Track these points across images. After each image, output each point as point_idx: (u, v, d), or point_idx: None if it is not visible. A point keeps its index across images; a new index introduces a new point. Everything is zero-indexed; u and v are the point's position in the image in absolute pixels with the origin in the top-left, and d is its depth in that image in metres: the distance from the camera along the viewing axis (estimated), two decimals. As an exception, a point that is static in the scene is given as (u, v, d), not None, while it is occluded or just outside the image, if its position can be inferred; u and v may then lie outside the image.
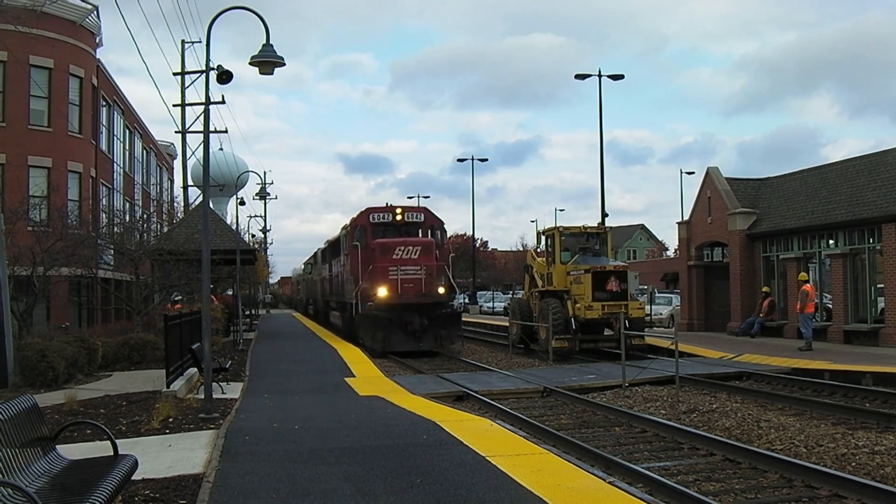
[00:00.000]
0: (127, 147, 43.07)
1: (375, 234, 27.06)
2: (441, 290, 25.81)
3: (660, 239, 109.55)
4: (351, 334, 28.71)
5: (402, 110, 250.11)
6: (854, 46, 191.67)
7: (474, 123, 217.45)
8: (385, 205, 28.71)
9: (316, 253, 48.29)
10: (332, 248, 36.10)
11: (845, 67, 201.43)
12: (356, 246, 26.69)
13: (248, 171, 59.60)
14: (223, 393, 15.09)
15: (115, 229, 30.95)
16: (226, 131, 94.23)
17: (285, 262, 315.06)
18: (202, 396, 12.94)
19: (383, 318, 24.84)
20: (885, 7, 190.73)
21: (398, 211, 27.97)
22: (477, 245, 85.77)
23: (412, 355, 24.44)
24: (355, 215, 28.65)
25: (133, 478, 7.07)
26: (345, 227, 30.21)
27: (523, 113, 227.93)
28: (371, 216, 27.71)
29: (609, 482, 7.80)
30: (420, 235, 27.83)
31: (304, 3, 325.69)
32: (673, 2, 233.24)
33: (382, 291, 24.99)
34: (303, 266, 67.98)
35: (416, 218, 28.40)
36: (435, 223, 28.64)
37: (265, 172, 60.60)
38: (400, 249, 25.63)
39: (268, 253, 71.64)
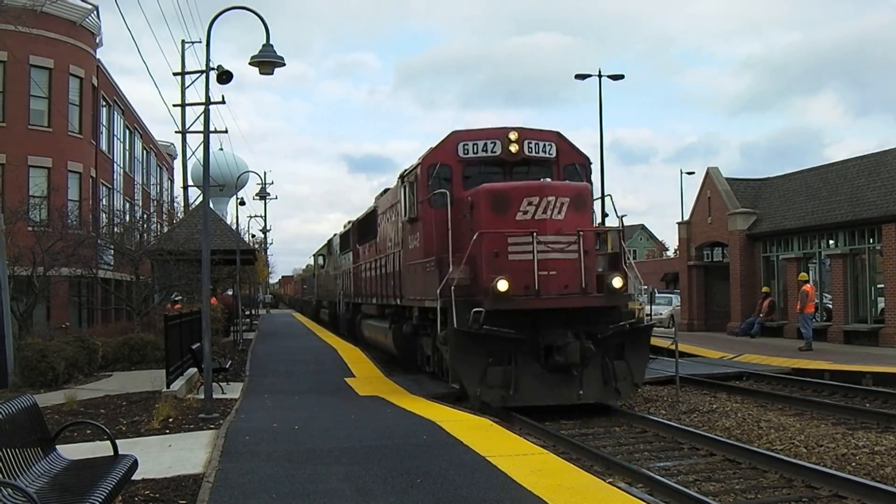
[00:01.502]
0: (127, 147, 43.08)
1: (469, 181, 15.30)
2: (616, 281, 13.56)
3: (660, 239, 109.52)
4: (411, 362, 18.00)
5: (406, 110, 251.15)
6: (860, 45, 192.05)
7: (478, 122, 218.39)
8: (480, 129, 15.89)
9: (331, 240, 37.14)
10: (363, 227, 24.31)
11: (851, 67, 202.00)
12: (435, 201, 14.94)
13: (248, 171, 59.60)
14: (223, 393, 15.08)
15: (115, 229, 30.96)
16: (226, 131, 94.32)
17: (286, 262, 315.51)
18: (202, 396, 12.95)
19: (503, 339, 12.92)
20: (890, 7, 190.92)
21: (511, 136, 15.27)
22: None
23: (559, 411, 13.23)
24: (424, 154, 15.97)
25: (133, 478, 7.07)
26: (399, 181, 17.51)
27: (528, 112, 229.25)
28: (461, 147, 15.44)
29: (609, 482, 7.80)
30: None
31: (311, 1, 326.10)
32: (678, 1, 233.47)
33: (502, 285, 12.89)
34: (312, 259, 53.40)
35: (545, 151, 15.58)
36: (577, 160, 15.95)
37: (265, 172, 60.75)
38: (530, 203, 13.50)
39: (268, 253, 71.68)
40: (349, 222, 29.71)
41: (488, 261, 13.56)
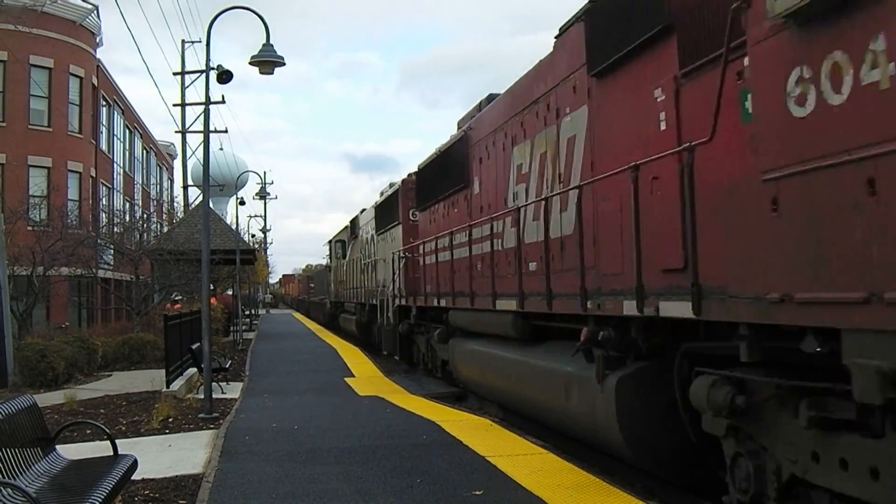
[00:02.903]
0: (127, 147, 43.10)
1: None
2: None
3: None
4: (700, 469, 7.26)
5: (409, 109, 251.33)
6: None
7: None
8: None
9: (355, 220, 28.23)
10: (432, 177, 16.18)
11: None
12: None
13: (248, 171, 59.57)
14: (223, 393, 15.09)
15: (115, 229, 30.99)
16: (226, 131, 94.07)
17: (286, 261, 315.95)
18: (202, 396, 12.95)
19: None
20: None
21: None
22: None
23: None
24: None
25: (133, 478, 7.07)
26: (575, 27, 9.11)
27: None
28: None
29: (609, 482, 7.80)
30: None
31: (315, 1, 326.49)
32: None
33: None
34: (326, 247, 42.08)
35: None
36: None
37: (265, 172, 60.74)
38: None
39: (268, 253, 71.71)
40: (391, 184, 20.90)
41: None
